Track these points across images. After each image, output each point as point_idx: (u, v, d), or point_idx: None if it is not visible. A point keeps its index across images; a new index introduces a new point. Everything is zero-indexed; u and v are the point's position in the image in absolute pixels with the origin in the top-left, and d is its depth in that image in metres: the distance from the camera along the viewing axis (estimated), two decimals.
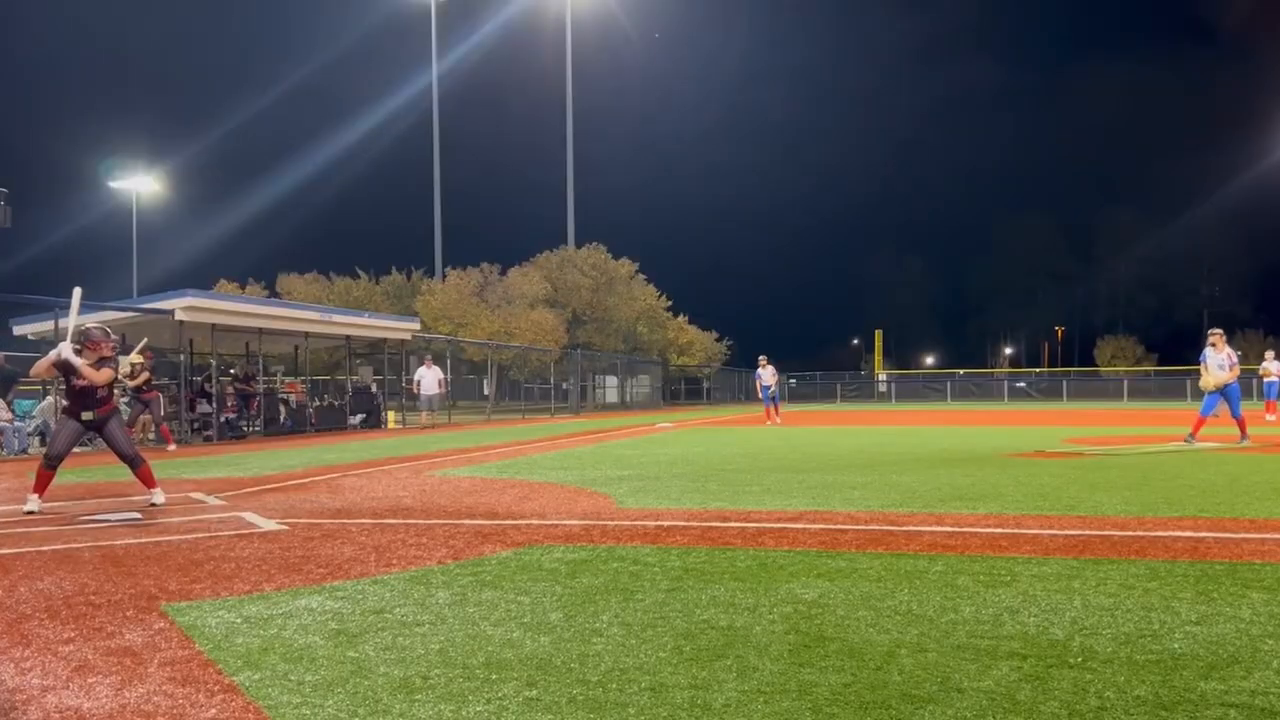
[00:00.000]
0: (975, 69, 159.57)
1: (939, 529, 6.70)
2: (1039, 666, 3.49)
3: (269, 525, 7.33)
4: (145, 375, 17.46)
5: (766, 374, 27.33)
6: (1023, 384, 67.27)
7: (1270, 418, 25.24)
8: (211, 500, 8.94)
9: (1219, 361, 14.80)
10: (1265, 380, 27.16)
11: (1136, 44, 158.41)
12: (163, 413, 18.73)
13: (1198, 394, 34.62)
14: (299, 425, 23.96)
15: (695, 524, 7.10)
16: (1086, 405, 45.42)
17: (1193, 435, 14.85)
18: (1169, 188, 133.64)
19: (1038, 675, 3.39)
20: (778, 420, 26.94)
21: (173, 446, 17.98)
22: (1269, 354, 27.64)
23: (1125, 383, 59.03)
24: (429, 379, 26.51)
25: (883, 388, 73.97)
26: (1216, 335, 14.98)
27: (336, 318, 26.65)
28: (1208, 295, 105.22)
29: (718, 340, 61.94)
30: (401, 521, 7.45)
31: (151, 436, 18.91)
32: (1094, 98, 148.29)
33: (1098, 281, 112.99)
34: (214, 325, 21.22)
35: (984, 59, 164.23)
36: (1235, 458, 12.38)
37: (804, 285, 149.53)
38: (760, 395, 28.50)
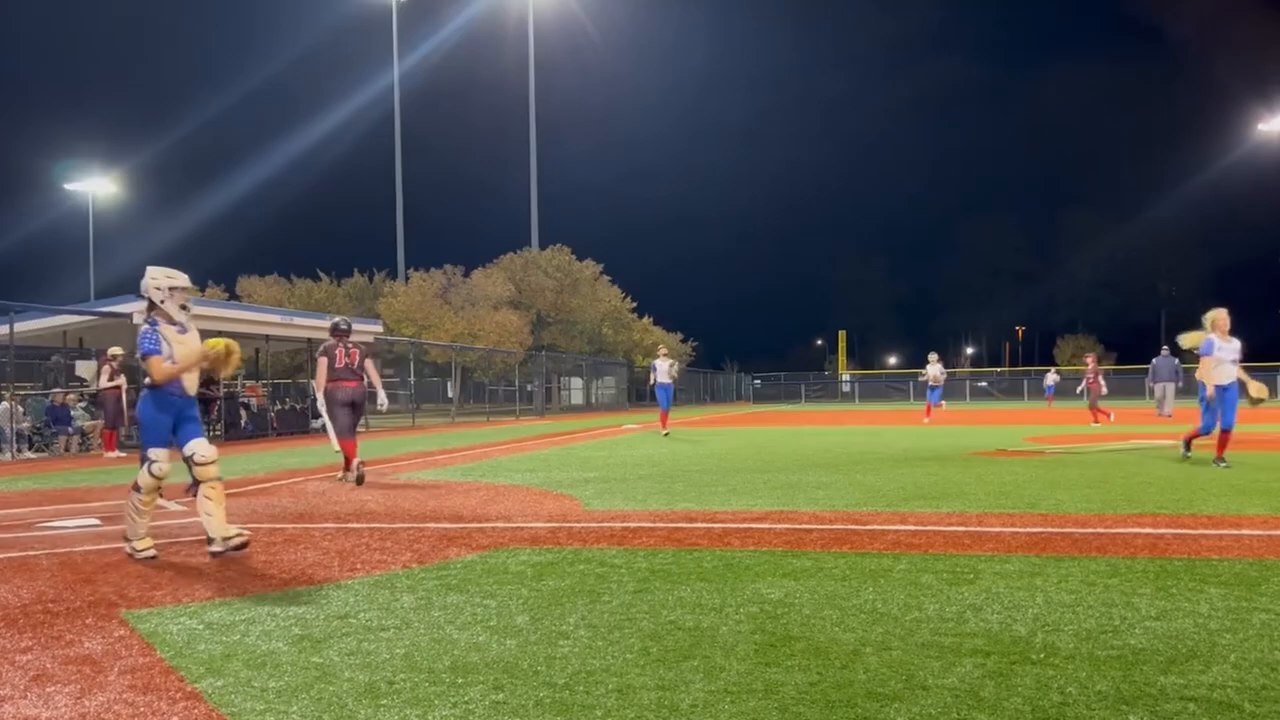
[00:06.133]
0: (939, 72, 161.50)
1: (903, 528, 6.75)
2: (1002, 663, 3.52)
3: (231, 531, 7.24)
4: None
5: (664, 367, 21.03)
6: (984, 383, 67.89)
7: (928, 420, 25.72)
8: (172, 506, 8.82)
9: (1233, 351, 11.17)
10: (930, 386, 27.08)
11: (1098, 47, 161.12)
12: (109, 416, 18.06)
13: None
14: (260, 429, 23.72)
15: (661, 525, 7.11)
16: (1047, 404, 45.88)
17: (1218, 456, 11.05)
18: (1129, 188, 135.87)
19: (1001, 672, 3.43)
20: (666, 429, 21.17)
21: (111, 454, 17.38)
22: (932, 356, 27.21)
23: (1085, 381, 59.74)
24: None
25: (846, 388, 74.39)
26: (1220, 316, 11.18)
27: (297, 320, 26.38)
28: (1165, 294, 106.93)
29: (683, 342, 62.01)
30: (365, 526, 7.40)
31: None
32: (1056, 99, 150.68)
33: (1058, 281, 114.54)
34: None
35: (948, 62, 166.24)
36: (1190, 455, 12.54)
37: (769, 287, 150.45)
38: (657, 396, 21.37)
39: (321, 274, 54.99)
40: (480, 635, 4.05)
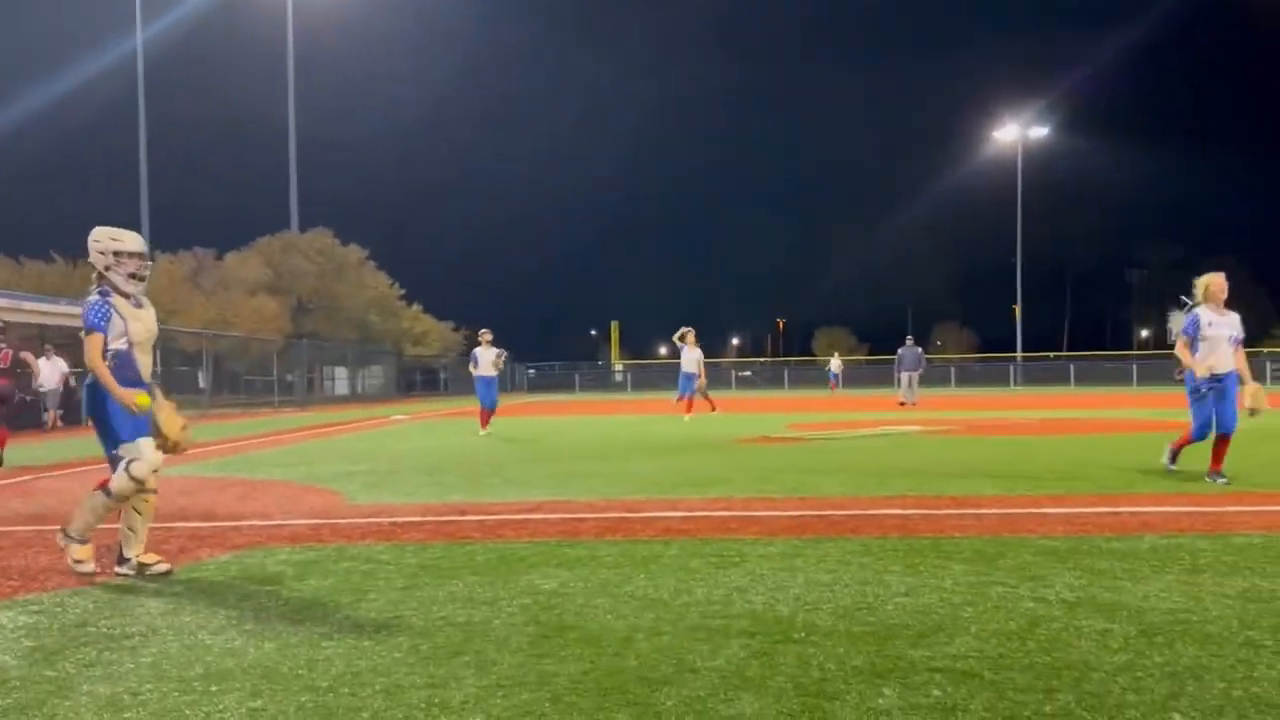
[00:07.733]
0: (710, 69, 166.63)
1: (673, 514, 6.90)
2: (766, 643, 3.65)
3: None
4: None
5: (488, 357, 17.70)
6: (748, 372, 70.70)
7: (688, 417, 20.88)
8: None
9: (1231, 327, 8.30)
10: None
11: (865, 55, 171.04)
12: None
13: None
14: None
15: (432, 519, 6.97)
16: (806, 393, 48.28)
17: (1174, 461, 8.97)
18: (885, 189, 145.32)
19: (765, 651, 3.54)
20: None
21: None
22: (690, 336, 21.33)
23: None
24: (48, 371, 23.76)
25: (619, 378, 75.58)
26: (1216, 282, 8.38)
27: (28, 305, 24.34)
28: (913, 290, 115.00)
29: (454, 330, 61.13)
30: (106, 527, 6.83)
31: None
32: (822, 102, 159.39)
33: (817, 276, 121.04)
34: None
35: (719, 60, 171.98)
36: (935, 441, 13.49)
37: (542, 277, 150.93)
38: (477, 391, 18.16)
39: (55, 255, 50.72)
40: (235, 640, 3.83)
